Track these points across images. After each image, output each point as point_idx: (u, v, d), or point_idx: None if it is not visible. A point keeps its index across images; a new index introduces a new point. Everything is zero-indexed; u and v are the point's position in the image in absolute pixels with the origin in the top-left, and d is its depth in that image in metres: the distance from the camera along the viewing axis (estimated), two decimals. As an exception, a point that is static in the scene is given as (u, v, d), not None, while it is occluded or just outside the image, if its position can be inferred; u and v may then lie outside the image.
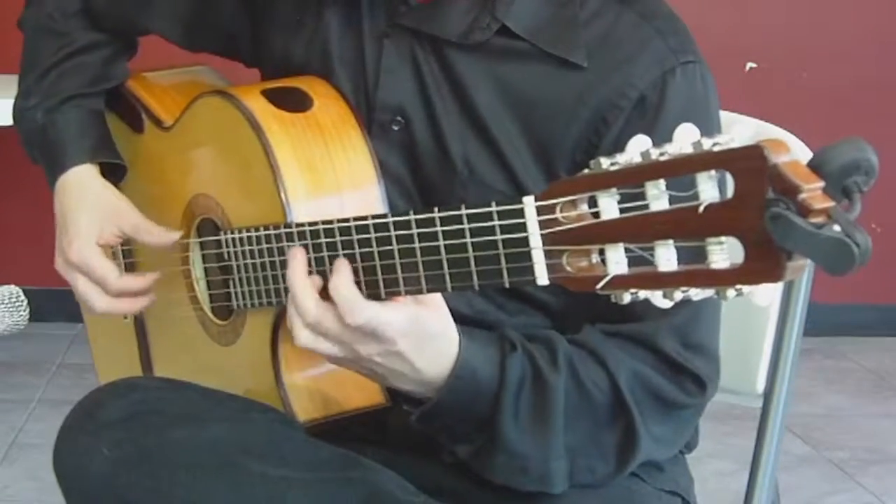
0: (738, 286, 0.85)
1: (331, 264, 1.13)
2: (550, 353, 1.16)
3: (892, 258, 3.50)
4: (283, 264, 1.19)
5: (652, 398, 1.19)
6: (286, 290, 1.19)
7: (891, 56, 3.69)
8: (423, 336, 1.09)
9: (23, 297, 1.59)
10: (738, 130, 1.42)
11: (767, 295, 0.85)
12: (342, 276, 1.09)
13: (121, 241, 1.42)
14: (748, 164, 0.82)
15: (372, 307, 1.07)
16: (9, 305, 1.56)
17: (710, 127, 1.20)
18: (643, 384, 1.18)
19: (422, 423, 1.16)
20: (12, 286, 1.59)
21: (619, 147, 0.92)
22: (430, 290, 1.06)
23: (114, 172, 1.47)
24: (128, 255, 1.49)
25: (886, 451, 2.98)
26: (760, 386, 1.44)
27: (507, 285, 1.00)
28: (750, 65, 3.61)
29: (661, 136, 0.90)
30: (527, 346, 1.16)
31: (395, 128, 1.28)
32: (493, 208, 0.99)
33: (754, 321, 1.43)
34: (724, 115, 1.31)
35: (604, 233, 0.91)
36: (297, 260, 1.13)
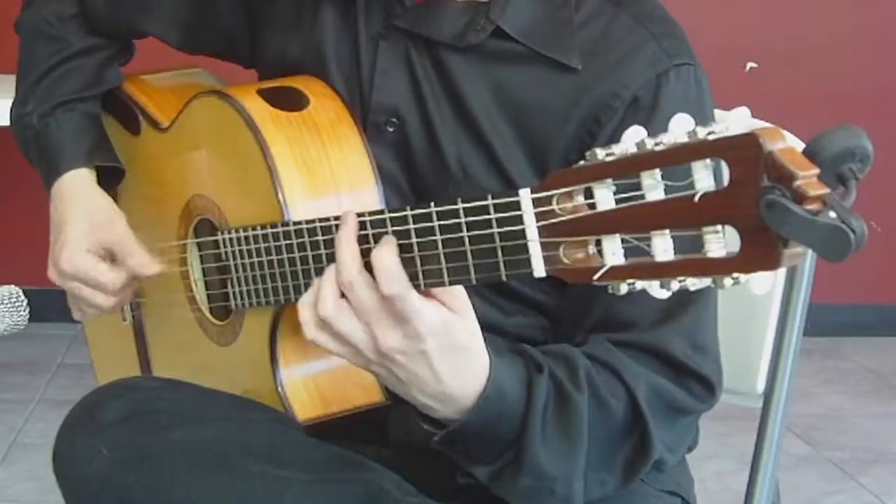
0: (735, 274, 0.85)
1: (328, 263, 1.13)
2: (571, 370, 1.14)
3: (892, 258, 3.50)
4: (281, 263, 1.19)
5: (666, 408, 1.18)
6: (284, 289, 1.20)
7: (890, 56, 3.70)
8: (450, 343, 1.05)
9: (23, 297, 1.59)
10: (730, 122, 1.42)
11: (764, 283, 0.85)
12: (388, 247, 1.04)
13: (103, 253, 1.41)
14: (743, 151, 0.82)
15: (408, 287, 1.02)
16: (9, 305, 1.56)
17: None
18: (659, 396, 1.17)
19: (443, 444, 1.12)
20: (12, 286, 1.59)
21: None
22: (427, 286, 1.05)
23: (112, 176, 1.47)
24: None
25: (886, 451, 2.98)
26: (760, 386, 1.44)
27: (504, 278, 0.99)
28: (750, 65, 3.61)
29: None
30: (549, 365, 1.13)
31: (390, 129, 1.28)
32: (490, 201, 0.98)
33: (754, 321, 1.43)
34: (718, 114, 1.31)
35: (600, 224, 0.91)
36: (350, 225, 1.08)
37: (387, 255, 1.04)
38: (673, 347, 1.19)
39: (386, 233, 1.06)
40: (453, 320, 1.05)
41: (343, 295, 1.06)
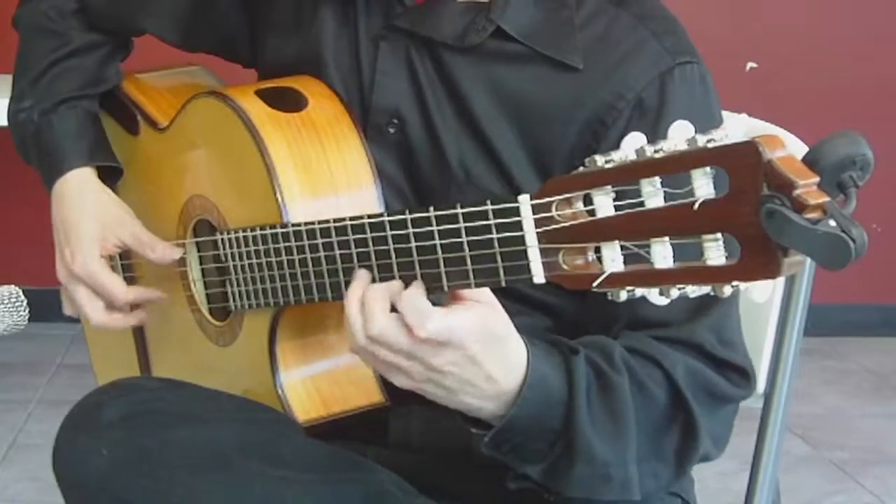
0: (735, 282, 0.85)
1: (327, 264, 1.13)
2: (607, 355, 1.14)
3: (892, 258, 3.50)
4: (280, 265, 1.19)
5: (706, 394, 1.17)
6: (283, 290, 1.19)
7: (891, 56, 3.70)
8: (492, 338, 1.05)
9: (23, 297, 1.58)
10: (731, 128, 1.42)
11: (764, 291, 0.85)
12: (415, 288, 1.04)
13: (120, 251, 1.42)
14: (743, 160, 0.82)
15: (439, 317, 1.02)
16: (9, 305, 1.56)
17: (713, 127, 1.20)
18: (697, 379, 1.16)
19: (493, 444, 1.10)
20: (12, 286, 1.58)
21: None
22: (427, 289, 1.05)
23: (110, 175, 1.46)
24: (125, 256, 1.49)
25: (887, 452, 2.98)
26: (761, 386, 1.44)
27: (503, 284, 1.00)
28: (750, 65, 3.61)
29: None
30: (585, 350, 1.13)
31: (391, 130, 1.27)
32: (489, 207, 0.98)
33: (755, 322, 1.43)
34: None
35: (599, 230, 0.91)
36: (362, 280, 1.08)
37: (415, 297, 1.03)
38: (702, 340, 1.18)
39: (384, 237, 1.06)
40: (488, 315, 1.04)
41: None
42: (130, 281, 1.48)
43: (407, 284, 1.06)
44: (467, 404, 1.08)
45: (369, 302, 1.05)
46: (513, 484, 1.15)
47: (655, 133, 1.13)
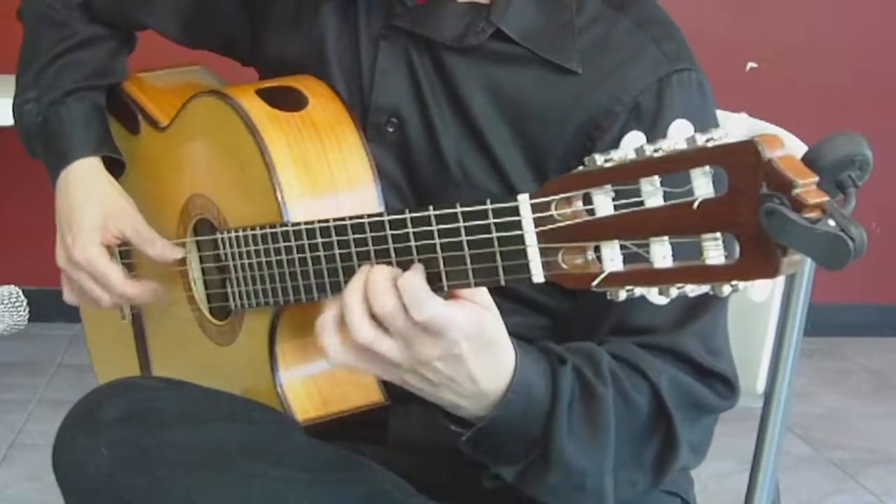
0: (734, 282, 0.85)
1: (327, 264, 1.13)
2: (594, 365, 1.14)
3: (892, 258, 3.50)
4: (280, 264, 1.19)
5: (689, 404, 1.17)
6: (283, 290, 1.19)
7: (890, 56, 3.70)
8: (484, 340, 1.04)
9: (23, 297, 1.58)
10: (731, 127, 1.42)
11: (763, 290, 0.85)
12: (416, 271, 1.03)
13: (120, 242, 1.42)
14: (742, 159, 0.82)
15: (438, 304, 1.01)
16: (9, 305, 1.56)
17: None
18: (681, 390, 1.17)
19: (471, 443, 1.10)
20: (12, 286, 1.59)
21: None
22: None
23: (112, 170, 1.46)
24: (125, 255, 1.49)
25: (887, 452, 2.99)
26: (761, 386, 1.44)
27: (503, 283, 0.99)
28: (750, 65, 3.61)
29: None
30: (573, 359, 1.13)
31: (390, 129, 1.28)
32: (489, 206, 0.98)
33: (755, 322, 1.43)
34: (718, 114, 1.31)
35: (599, 230, 0.91)
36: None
37: (414, 278, 1.02)
38: (688, 348, 1.18)
39: (384, 236, 1.06)
40: (483, 317, 1.03)
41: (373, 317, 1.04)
42: (130, 280, 1.48)
43: None
44: (447, 400, 1.08)
45: (375, 281, 1.03)
46: (488, 482, 1.15)
47: (652, 138, 1.13)
